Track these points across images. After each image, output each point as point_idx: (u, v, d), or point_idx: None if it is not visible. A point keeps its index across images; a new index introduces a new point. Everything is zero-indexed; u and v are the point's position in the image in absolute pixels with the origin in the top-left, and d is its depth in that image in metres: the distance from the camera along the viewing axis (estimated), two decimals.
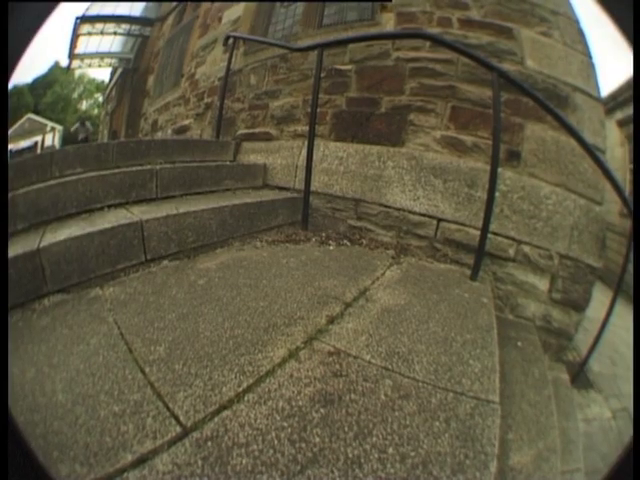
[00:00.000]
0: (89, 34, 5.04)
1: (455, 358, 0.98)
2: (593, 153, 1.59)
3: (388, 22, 2.04)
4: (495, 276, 1.75)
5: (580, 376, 1.94)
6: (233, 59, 2.59)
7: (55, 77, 5.10)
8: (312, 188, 1.86)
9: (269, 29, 2.72)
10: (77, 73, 5.24)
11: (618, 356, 2.85)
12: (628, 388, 2.40)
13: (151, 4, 4.45)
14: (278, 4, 2.78)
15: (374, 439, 0.65)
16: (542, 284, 1.79)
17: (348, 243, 1.79)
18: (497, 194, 1.65)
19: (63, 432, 0.65)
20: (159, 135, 3.37)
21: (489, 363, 0.99)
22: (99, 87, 4.97)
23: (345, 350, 0.91)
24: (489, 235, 1.62)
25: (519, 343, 1.58)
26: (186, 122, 3.02)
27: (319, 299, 1.14)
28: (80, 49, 5.02)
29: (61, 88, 5.11)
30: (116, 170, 1.66)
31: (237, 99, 2.57)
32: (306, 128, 1.93)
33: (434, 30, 1.92)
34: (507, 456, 0.94)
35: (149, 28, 4.36)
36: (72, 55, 5.04)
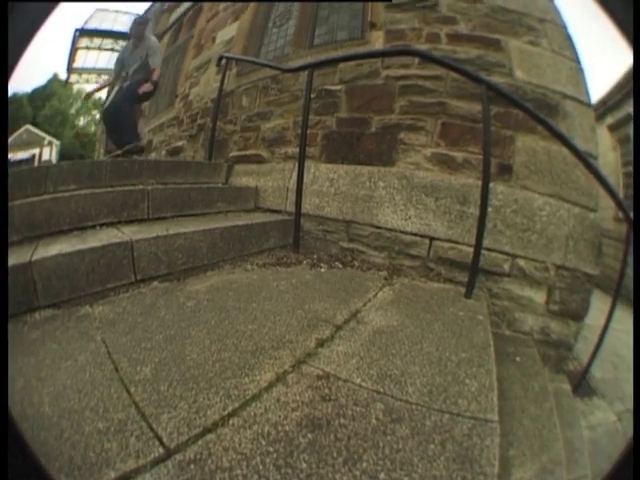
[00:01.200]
0: (87, 48, 5.16)
1: (450, 378, 0.97)
2: (585, 160, 1.59)
3: (377, 40, 2.08)
4: (491, 292, 1.74)
5: (582, 385, 1.92)
6: (226, 80, 2.65)
7: (54, 90, 5.19)
8: (303, 210, 1.88)
9: (261, 50, 2.79)
10: (75, 88, 5.36)
11: (619, 360, 2.85)
12: (630, 389, 2.42)
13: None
14: (270, 24, 2.84)
15: (364, 464, 0.64)
16: (539, 297, 1.78)
17: (340, 265, 1.79)
18: (490, 209, 1.66)
19: (49, 443, 0.66)
20: (153, 156, 3.44)
21: (486, 381, 0.99)
22: (96, 104, 5.08)
23: (335, 374, 0.91)
24: (483, 252, 1.62)
25: (518, 358, 1.57)
26: (179, 143, 3.09)
27: (309, 322, 1.15)
28: (78, 63, 5.14)
29: (59, 102, 5.20)
30: (109, 189, 1.70)
31: (229, 121, 2.62)
32: (297, 150, 1.96)
33: (423, 46, 1.95)
34: (509, 473, 0.93)
35: None
36: (70, 69, 5.15)
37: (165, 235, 1.43)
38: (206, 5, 4.06)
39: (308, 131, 1.96)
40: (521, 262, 1.71)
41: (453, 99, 1.78)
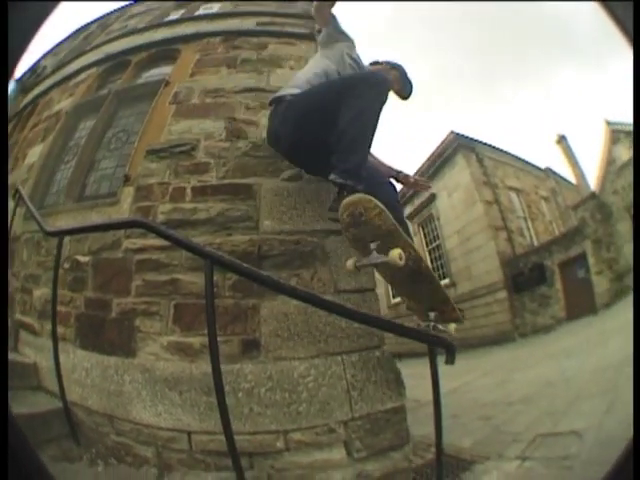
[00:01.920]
0: None
1: None
2: (355, 314, 1.42)
3: (127, 199, 1.94)
4: (275, 468, 1.58)
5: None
6: (16, 219, 2.38)
7: None
8: (73, 399, 1.67)
9: (50, 189, 2.54)
10: None
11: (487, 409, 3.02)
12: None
13: None
14: (63, 163, 2.60)
15: None
16: (336, 454, 1.65)
17: (115, 462, 1.62)
18: (240, 395, 1.56)
19: None
20: None
21: None
22: None
23: None
24: (246, 437, 1.52)
25: None
26: None
27: None
28: None
29: None
30: None
31: (13, 274, 2.32)
32: (62, 330, 1.76)
33: (167, 206, 1.84)
34: None
35: None
36: None
37: None
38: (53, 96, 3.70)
39: (63, 309, 1.76)
40: (296, 435, 1.59)
41: (187, 273, 1.66)
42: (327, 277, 1.77)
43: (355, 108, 1.21)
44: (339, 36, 1.57)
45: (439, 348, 1.45)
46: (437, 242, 9.21)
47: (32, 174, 2.67)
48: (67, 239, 1.86)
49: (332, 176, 1.25)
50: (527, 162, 12.79)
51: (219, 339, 1.41)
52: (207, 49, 2.64)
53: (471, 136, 9.03)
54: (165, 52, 2.82)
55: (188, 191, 1.86)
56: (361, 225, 1.14)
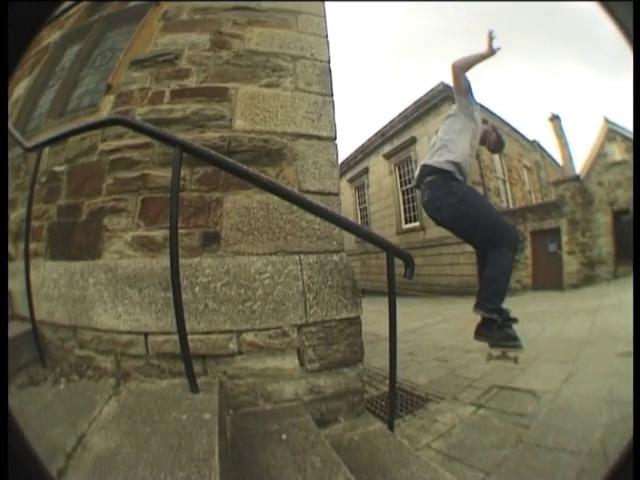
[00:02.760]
0: None
1: None
2: (308, 204, 1.98)
3: (106, 107, 2.70)
4: (227, 375, 2.13)
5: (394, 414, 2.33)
6: None
7: None
8: (41, 317, 2.35)
9: (33, 113, 3.52)
10: None
11: (447, 351, 4.46)
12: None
13: None
14: (47, 89, 3.61)
15: None
16: (288, 362, 2.19)
17: (77, 377, 2.23)
18: (197, 289, 2.10)
19: None
20: None
21: None
22: None
23: None
24: (200, 337, 2.07)
25: (284, 436, 1.96)
26: None
27: (50, 453, 1.48)
28: None
29: None
30: None
31: None
32: (33, 246, 2.51)
33: (145, 108, 2.54)
34: None
35: None
36: None
37: None
38: None
39: (37, 223, 2.52)
40: (249, 336, 2.12)
41: (157, 169, 2.30)
42: (292, 176, 2.37)
43: (500, 265, 2.41)
44: (473, 101, 2.66)
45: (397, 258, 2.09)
46: (412, 184, 12.44)
47: (16, 107, 3.69)
48: (45, 153, 2.63)
49: (480, 311, 2.46)
50: (515, 129, 16.43)
51: (181, 232, 2.00)
52: None
53: None
54: None
55: (167, 94, 2.53)
56: None
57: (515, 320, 2.51)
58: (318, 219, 2.27)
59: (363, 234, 2.22)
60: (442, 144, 2.61)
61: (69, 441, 1.58)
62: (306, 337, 2.19)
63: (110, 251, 2.31)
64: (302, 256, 2.25)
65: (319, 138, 2.46)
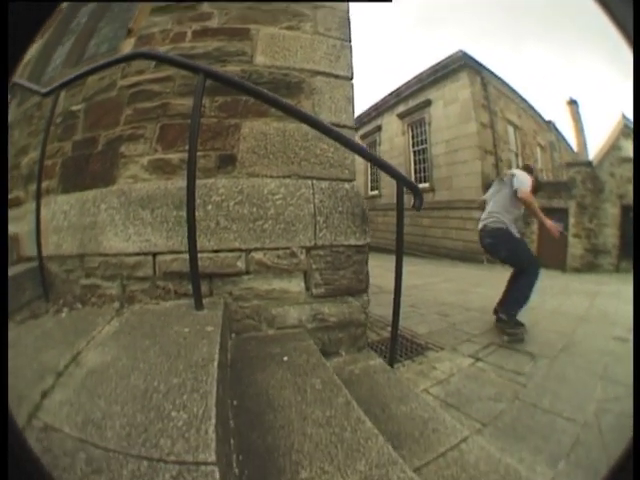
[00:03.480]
0: None
1: (154, 414, 1.52)
2: (332, 131, 2.75)
3: (126, 49, 3.72)
4: (233, 296, 2.88)
5: (395, 351, 3.18)
6: (10, 112, 4.45)
7: None
8: (48, 252, 3.18)
9: (48, 68, 4.66)
10: None
11: (446, 307, 6.09)
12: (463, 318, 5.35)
13: None
14: (61, 45, 4.78)
15: None
16: (295, 285, 2.97)
17: (80, 305, 3.02)
18: (210, 207, 2.90)
19: None
20: None
21: (199, 409, 1.53)
22: None
23: (52, 424, 1.50)
24: (208, 255, 2.84)
25: (285, 358, 2.58)
26: None
27: (40, 375, 1.84)
28: None
29: None
30: None
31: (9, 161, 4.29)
32: (45, 184, 3.42)
33: (165, 47, 3.52)
34: None
35: None
36: None
37: None
38: None
39: (50, 162, 3.49)
40: (258, 255, 2.89)
41: (177, 98, 3.17)
42: (309, 109, 3.21)
43: (527, 285, 4.81)
44: None
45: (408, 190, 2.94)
46: (424, 146, 20.12)
47: (28, 67, 4.83)
48: (61, 97, 3.53)
49: (502, 314, 4.87)
50: (532, 107, 21.36)
51: (198, 154, 2.86)
52: None
53: (482, 63, 18.54)
54: None
55: (189, 34, 3.44)
56: None
57: (522, 324, 4.65)
58: (332, 148, 3.12)
59: (375, 161, 3.07)
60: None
61: (62, 361, 2.02)
62: (314, 260, 2.97)
63: (125, 176, 3.18)
64: (314, 181, 3.07)
65: (336, 77, 3.34)
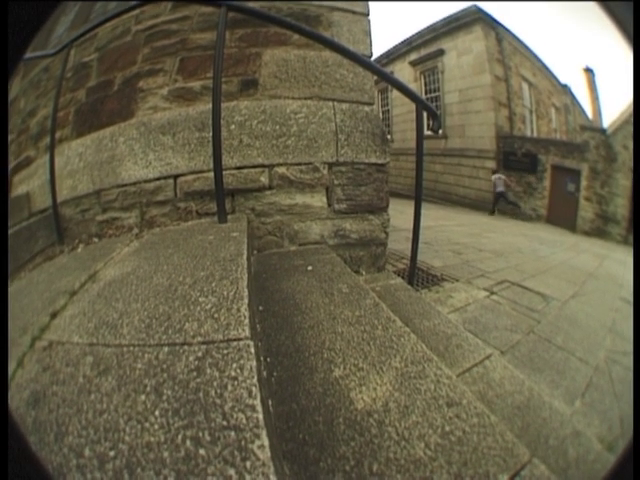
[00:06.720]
0: None
1: (178, 302, 1.55)
2: (354, 55, 2.86)
3: None
4: (255, 211, 2.92)
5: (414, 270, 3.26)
6: (13, 89, 4.49)
7: None
8: (62, 197, 3.21)
9: (51, 37, 4.73)
10: None
11: (461, 247, 6.26)
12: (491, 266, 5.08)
13: None
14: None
15: (70, 438, 0.99)
16: (317, 200, 3.02)
17: (97, 240, 3.03)
18: (232, 127, 2.93)
19: None
20: None
21: (229, 292, 1.56)
22: None
23: (57, 340, 1.48)
24: (232, 172, 2.87)
25: (309, 267, 2.62)
26: None
27: (51, 300, 1.84)
28: None
29: None
30: None
31: (10, 131, 4.30)
32: (58, 134, 3.44)
33: None
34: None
35: None
36: None
37: None
38: None
39: (62, 113, 3.51)
40: (281, 170, 2.94)
41: (197, 33, 3.24)
42: None
43: None
44: None
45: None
46: (437, 93, 20.89)
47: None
48: (71, 54, 3.63)
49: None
50: (547, 68, 21.37)
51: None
52: None
53: (498, 20, 19.11)
54: None
55: None
56: None
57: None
58: (351, 74, 3.23)
59: (394, 82, 3.11)
60: None
61: (77, 283, 2.02)
62: (335, 176, 3.03)
63: (144, 109, 3.22)
64: (335, 103, 3.15)
65: (353, 12, 3.45)
